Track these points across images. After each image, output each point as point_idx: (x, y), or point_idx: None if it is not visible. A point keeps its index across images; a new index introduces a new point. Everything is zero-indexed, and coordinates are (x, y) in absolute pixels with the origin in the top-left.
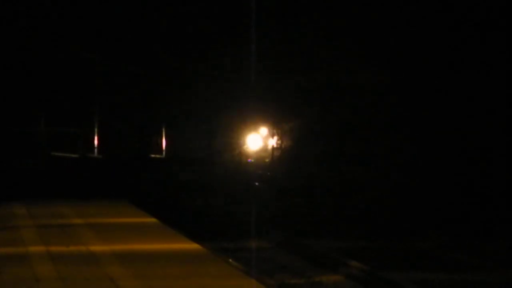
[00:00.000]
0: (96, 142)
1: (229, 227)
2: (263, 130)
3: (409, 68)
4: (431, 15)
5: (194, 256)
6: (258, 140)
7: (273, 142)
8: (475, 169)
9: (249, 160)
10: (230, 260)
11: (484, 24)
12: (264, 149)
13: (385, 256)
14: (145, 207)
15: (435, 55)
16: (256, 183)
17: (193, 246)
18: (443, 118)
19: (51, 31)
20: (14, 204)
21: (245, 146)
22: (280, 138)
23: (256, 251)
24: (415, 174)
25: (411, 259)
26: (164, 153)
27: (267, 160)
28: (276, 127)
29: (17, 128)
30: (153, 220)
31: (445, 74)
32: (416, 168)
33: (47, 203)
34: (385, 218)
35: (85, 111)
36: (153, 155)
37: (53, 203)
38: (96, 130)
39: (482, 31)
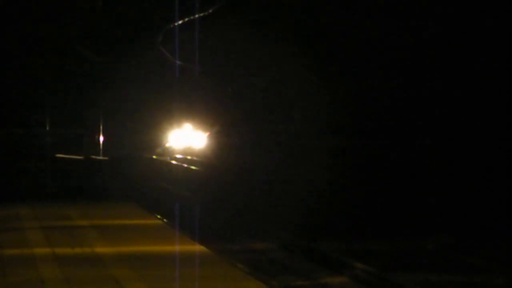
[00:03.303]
0: (101, 143)
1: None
2: (188, 127)
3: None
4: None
5: (199, 258)
6: (182, 137)
7: (198, 139)
8: (477, 168)
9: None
10: (235, 262)
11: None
12: (189, 147)
13: (389, 258)
14: (150, 208)
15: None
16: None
17: (198, 248)
18: (442, 115)
19: (54, 31)
20: (19, 205)
21: (169, 144)
22: (206, 135)
23: (261, 253)
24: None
25: (416, 260)
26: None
27: (189, 157)
28: (201, 124)
29: (22, 129)
30: (158, 221)
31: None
32: (415, 168)
33: (52, 205)
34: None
35: (89, 112)
36: (155, 156)
37: (58, 205)
38: (101, 131)
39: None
